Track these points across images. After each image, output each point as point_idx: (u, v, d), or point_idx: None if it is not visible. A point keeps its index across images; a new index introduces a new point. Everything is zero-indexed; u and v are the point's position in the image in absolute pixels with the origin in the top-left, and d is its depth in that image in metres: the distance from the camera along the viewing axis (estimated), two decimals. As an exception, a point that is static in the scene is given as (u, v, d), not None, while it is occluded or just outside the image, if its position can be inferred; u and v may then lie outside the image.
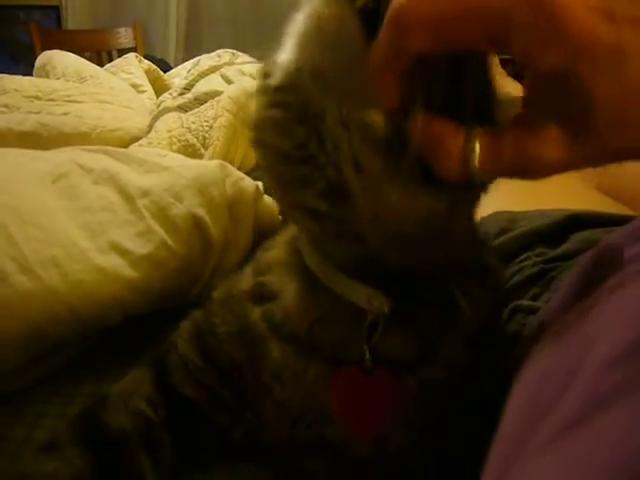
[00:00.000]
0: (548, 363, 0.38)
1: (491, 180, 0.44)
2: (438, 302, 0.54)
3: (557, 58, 0.34)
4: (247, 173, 1.03)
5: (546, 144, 0.37)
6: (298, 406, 0.59)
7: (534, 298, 0.73)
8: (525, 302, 0.72)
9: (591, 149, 0.37)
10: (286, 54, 0.46)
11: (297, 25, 0.45)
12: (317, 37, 0.44)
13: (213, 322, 0.64)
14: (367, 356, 0.54)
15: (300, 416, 0.59)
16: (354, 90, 0.44)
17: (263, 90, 0.49)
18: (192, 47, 3.75)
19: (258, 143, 0.51)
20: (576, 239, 0.79)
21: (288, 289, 0.59)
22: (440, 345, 0.55)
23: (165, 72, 1.97)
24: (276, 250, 0.64)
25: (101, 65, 2.01)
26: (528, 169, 0.39)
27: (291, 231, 0.63)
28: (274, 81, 0.47)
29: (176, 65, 2.49)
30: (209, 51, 1.98)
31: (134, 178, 0.86)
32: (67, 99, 1.28)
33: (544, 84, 0.38)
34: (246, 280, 0.64)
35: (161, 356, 0.67)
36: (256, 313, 0.60)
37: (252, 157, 1.28)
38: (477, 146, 0.39)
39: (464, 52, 0.40)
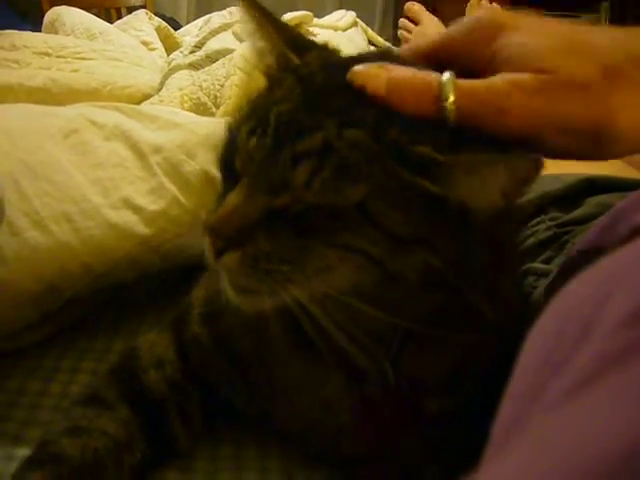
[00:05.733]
0: (562, 319, 0.38)
1: (463, 118, 0.44)
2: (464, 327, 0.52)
3: None
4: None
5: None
6: (310, 416, 0.59)
7: (547, 261, 0.72)
8: (537, 265, 0.71)
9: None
10: None
11: None
12: None
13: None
14: (389, 372, 0.53)
15: (309, 427, 0.60)
16: None
17: None
18: (203, 5, 3.70)
19: None
20: (590, 203, 0.78)
21: None
22: (466, 372, 0.55)
23: (175, 30, 1.94)
24: None
25: (111, 22, 1.98)
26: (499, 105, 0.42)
27: None
28: None
29: (187, 23, 2.45)
30: (220, 9, 1.95)
31: (146, 135, 0.85)
32: (77, 56, 1.26)
33: None
34: None
35: (179, 325, 0.67)
36: None
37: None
38: (451, 81, 0.43)
39: None
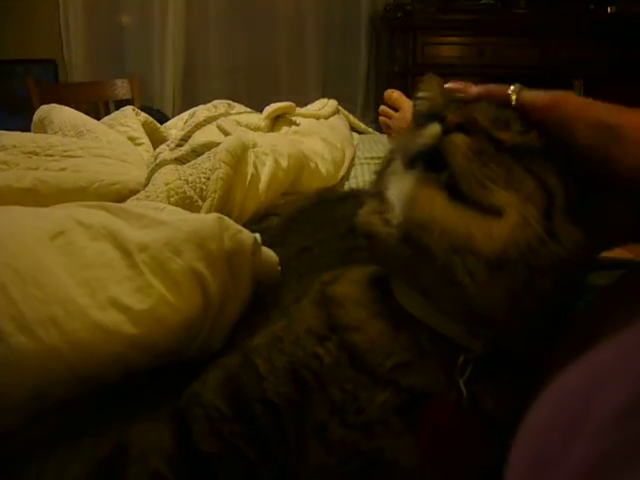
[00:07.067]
0: (551, 414, 0.38)
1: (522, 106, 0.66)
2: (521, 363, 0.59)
3: None
4: (244, 224, 1.04)
5: None
6: (350, 446, 0.58)
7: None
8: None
9: None
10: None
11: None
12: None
13: (254, 363, 0.64)
14: (464, 391, 0.56)
15: (347, 459, 0.59)
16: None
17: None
18: (189, 97, 3.80)
19: None
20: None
21: (370, 326, 0.62)
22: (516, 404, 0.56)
23: (162, 123, 1.99)
24: (346, 288, 0.67)
25: (98, 117, 2.03)
26: None
27: (360, 271, 0.69)
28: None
29: (173, 115, 2.52)
30: (205, 101, 2.01)
31: (132, 233, 0.86)
32: (65, 154, 1.29)
33: None
34: (309, 318, 0.66)
35: (182, 409, 0.66)
36: (330, 345, 0.62)
37: (249, 209, 1.29)
38: (517, 87, 0.68)
39: None
